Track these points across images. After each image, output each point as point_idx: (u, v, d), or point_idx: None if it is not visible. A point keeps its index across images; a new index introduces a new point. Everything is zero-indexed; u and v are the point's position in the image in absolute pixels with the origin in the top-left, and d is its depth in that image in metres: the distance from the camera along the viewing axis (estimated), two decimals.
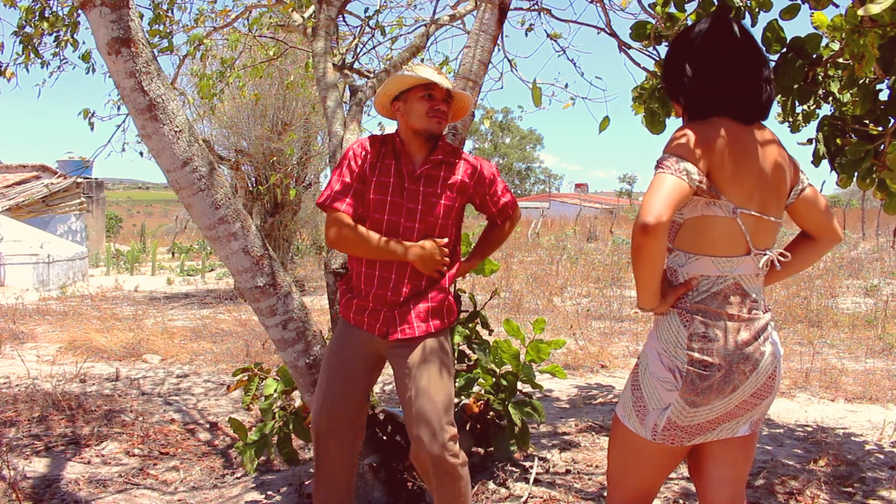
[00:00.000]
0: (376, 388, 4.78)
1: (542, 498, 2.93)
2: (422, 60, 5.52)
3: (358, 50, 4.41)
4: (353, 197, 2.19)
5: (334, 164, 3.27)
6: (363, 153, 2.22)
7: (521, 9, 4.31)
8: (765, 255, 1.63)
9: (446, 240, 2.24)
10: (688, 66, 1.65)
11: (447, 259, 2.23)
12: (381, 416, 2.92)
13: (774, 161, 1.64)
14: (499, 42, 2.67)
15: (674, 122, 2.88)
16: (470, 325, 3.03)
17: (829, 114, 2.50)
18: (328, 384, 2.25)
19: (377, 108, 2.34)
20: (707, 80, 1.63)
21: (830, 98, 2.53)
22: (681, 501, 2.93)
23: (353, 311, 2.26)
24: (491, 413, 3.10)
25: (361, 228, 2.17)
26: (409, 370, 2.17)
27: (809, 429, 4.00)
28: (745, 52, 1.64)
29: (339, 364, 2.26)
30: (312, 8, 3.81)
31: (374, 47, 4.78)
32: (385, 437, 2.87)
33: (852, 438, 3.82)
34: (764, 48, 1.67)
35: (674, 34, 2.55)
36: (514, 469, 3.19)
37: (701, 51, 1.64)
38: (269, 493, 3.07)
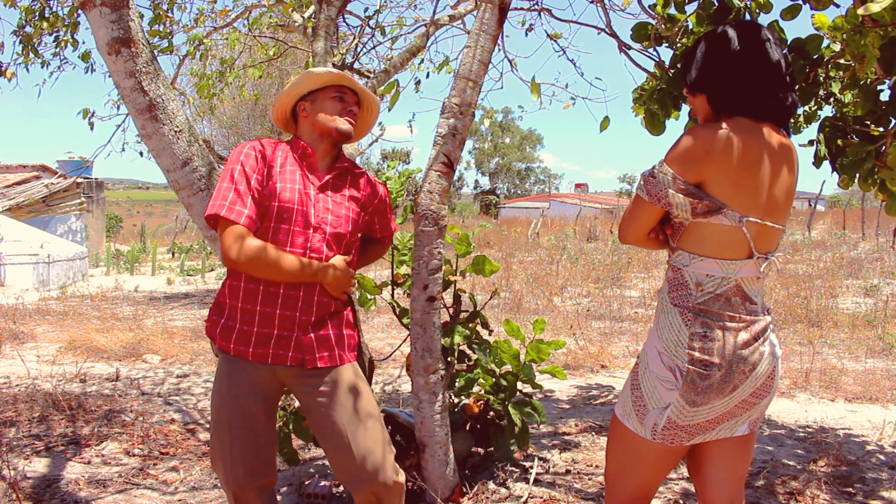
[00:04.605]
0: (376, 389, 4.78)
1: (542, 498, 2.93)
2: (421, 61, 5.53)
3: (358, 50, 4.41)
4: (252, 207, 1.88)
5: None
6: (260, 156, 1.94)
7: (521, 9, 4.31)
8: (766, 259, 1.64)
9: (350, 257, 2.06)
10: (724, 62, 1.66)
11: (355, 280, 2.07)
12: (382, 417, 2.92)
13: (785, 167, 1.64)
14: (499, 42, 2.67)
15: (673, 124, 2.88)
16: (470, 325, 3.03)
17: (831, 115, 2.50)
18: (233, 439, 1.94)
19: (275, 110, 2.10)
20: (741, 79, 1.64)
21: (832, 99, 2.53)
22: (681, 501, 2.93)
23: (253, 345, 1.92)
24: (491, 413, 3.10)
25: (271, 247, 1.88)
26: (335, 401, 1.96)
27: (810, 429, 4.00)
28: (778, 57, 1.65)
29: (239, 413, 1.95)
30: (312, 8, 3.81)
31: (374, 47, 4.78)
32: None
33: (852, 438, 3.82)
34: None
35: (674, 35, 2.55)
36: (514, 469, 3.19)
37: (739, 50, 1.64)
38: None
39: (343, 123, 2.03)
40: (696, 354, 1.60)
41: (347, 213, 2.04)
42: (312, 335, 1.96)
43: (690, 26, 2.56)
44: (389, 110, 4.68)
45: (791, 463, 3.41)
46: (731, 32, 1.67)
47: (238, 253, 1.83)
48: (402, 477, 2.04)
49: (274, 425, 2.04)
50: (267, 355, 1.93)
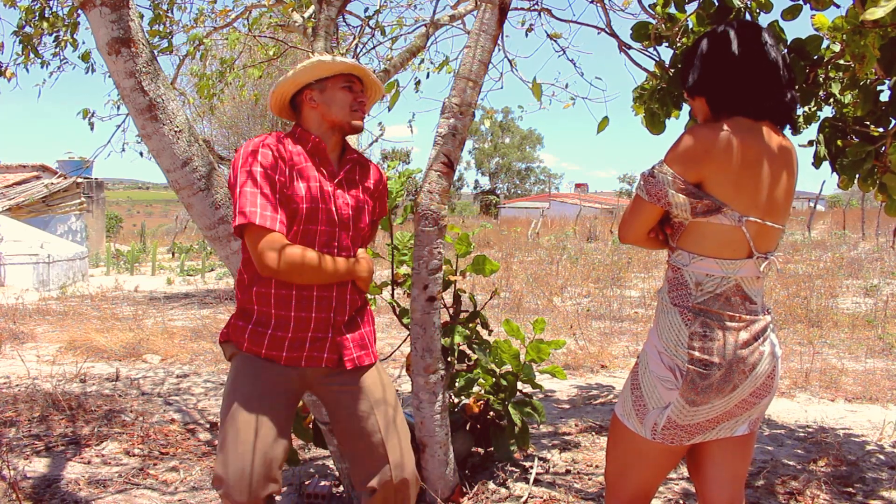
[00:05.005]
0: None
1: (542, 498, 2.93)
2: (421, 61, 5.53)
3: (358, 50, 4.41)
4: (282, 211, 1.81)
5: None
6: (278, 155, 1.84)
7: (521, 9, 4.31)
8: (766, 258, 1.64)
9: (363, 249, 2.05)
10: (722, 64, 1.66)
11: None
12: None
13: (784, 168, 1.65)
14: (499, 42, 2.67)
15: (674, 123, 2.88)
16: (470, 325, 3.03)
17: (830, 115, 2.50)
18: (257, 442, 1.82)
19: (275, 95, 2.00)
20: (739, 79, 1.64)
21: (831, 99, 2.53)
22: (681, 501, 2.93)
23: (287, 349, 1.88)
24: (491, 413, 3.10)
25: (310, 251, 1.83)
26: (367, 398, 1.95)
27: (810, 429, 4.00)
28: (775, 56, 1.65)
29: (266, 414, 1.84)
30: (312, 8, 3.82)
31: (374, 47, 4.79)
32: None
33: (852, 438, 3.82)
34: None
35: (674, 35, 2.55)
36: (514, 469, 3.19)
37: (736, 51, 1.65)
38: None
39: (358, 120, 1.97)
40: (696, 354, 1.60)
41: (363, 205, 2.02)
42: (348, 335, 1.95)
43: (690, 26, 2.56)
44: (389, 110, 4.69)
45: (791, 463, 3.41)
46: (727, 33, 1.67)
47: (279, 262, 1.76)
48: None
49: (291, 430, 1.98)
50: (300, 358, 1.90)
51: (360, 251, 2.02)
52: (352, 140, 3.31)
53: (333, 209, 1.92)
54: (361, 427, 1.95)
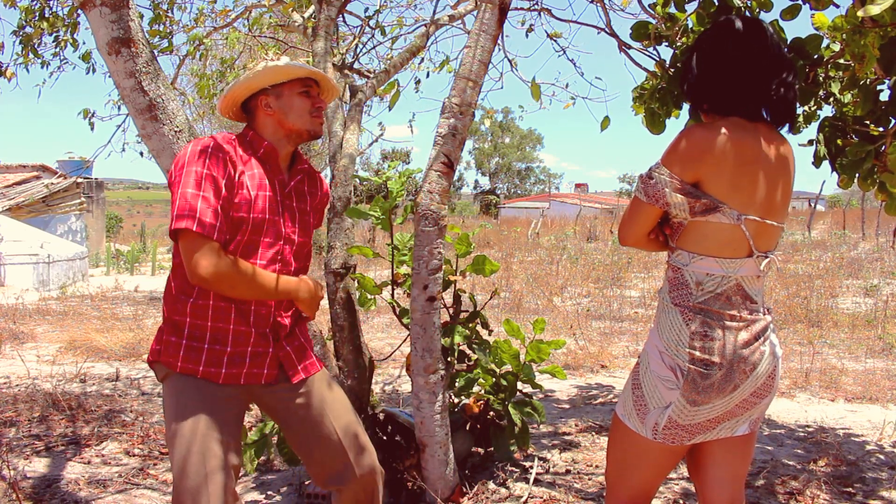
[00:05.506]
0: (376, 389, 4.78)
1: (542, 498, 2.93)
2: (421, 61, 5.53)
3: (358, 50, 4.42)
4: (222, 219, 1.69)
5: (334, 165, 3.25)
6: (227, 158, 1.73)
7: (521, 9, 4.32)
8: (766, 257, 1.64)
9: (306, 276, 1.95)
10: (717, 63, 1.66)
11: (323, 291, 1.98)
12: (381, 416, 2.92)
13: (781, 166, 1.65)
14: (499, 42, 2.67)
15: (674, 123, 2.89)
16: (470, 325, 3.03)
17: (830, 115, 2.49)
18: (222, 466, 1.69)
19: (227, 99, 1.89)
20: (734, 79, 1.64)
21: (831, 99, 2.52)
22: (681, 501, 2.93)
23: (226, 365, 1.76)
24: (491, 413, 3.10)
25: (247, 265, 1.73)
26: (318, 404, 1.90)
27: (810, 429, 4.00)
28: (774, 54, 1.65)
29: (220, 435, 1.71)
30: (312, 8, 3.82)
31: (374, 47, 4.80)
32: (385, 437, 2.87)
33: (852, 438, 3.82)
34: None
35: (674, 34, 2.55)
36: (514, 469, 3.19)
37: (732, 50, 1.65)
38: (269, 492, 3.07)
39: (318, 126, 1.90)
40: (697, 354, 1.60)
41: (309, 218, 1.94)
42: (289, 349, 1.88)
43: (690, 25, 2.56)
44: (390, 110, 4.69)
45: (791, 463, 3.42)
46: (724, 33, 1.67)
47: (212, 273, 1.65)
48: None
49: (241, 443, 1.89)
50: (240, 375, 1.79)
51: (304, 277, 1.92)
52: (352, 139, 3.30)
53: (281, 222, 1.83)
54: (316, 431, 1.89)
